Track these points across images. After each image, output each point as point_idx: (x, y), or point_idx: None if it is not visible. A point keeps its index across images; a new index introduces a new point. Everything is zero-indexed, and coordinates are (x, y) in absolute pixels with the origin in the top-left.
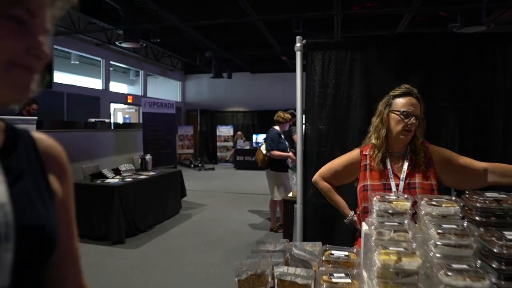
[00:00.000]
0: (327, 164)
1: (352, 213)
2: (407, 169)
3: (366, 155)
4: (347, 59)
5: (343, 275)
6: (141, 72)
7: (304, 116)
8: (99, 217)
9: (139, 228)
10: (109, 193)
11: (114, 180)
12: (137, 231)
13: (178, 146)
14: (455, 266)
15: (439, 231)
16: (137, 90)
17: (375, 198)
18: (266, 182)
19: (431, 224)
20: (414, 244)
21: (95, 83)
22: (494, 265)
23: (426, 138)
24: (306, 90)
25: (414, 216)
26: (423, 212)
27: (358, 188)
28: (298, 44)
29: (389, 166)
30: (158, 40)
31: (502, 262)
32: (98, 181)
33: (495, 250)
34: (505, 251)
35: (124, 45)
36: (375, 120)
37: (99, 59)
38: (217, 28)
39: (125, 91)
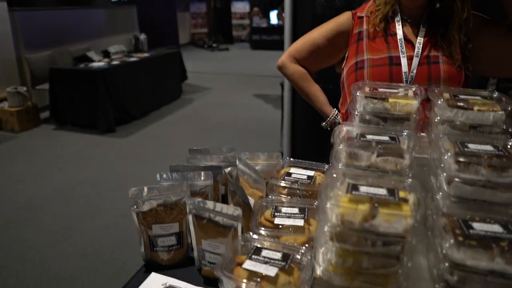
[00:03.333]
0: (301, 38)
1: (334, 112)
2: (424, 37)
3: (361, 18)
4: None
5: (295, 211)
6: None
7: None
8: (85, 105)
9: (132, 115)
10: (92, 79)
11: (99, 64)
12: (130, 118)
13: (191, 25)
14: (478, 227)
15: (460, 159)
16: None
17: (358, 93)
18: None
19: (449, 141)
20: (410, 180)
21: None
22: None
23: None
24: None
25: (424, 125)
26: (439, 118)
27: (345, 72)
28: None
29: (400, 31)
30: None
31: None
32: (82, 65)
33: None
34: None
35: None
36: None
37: None
38: None
39: None
